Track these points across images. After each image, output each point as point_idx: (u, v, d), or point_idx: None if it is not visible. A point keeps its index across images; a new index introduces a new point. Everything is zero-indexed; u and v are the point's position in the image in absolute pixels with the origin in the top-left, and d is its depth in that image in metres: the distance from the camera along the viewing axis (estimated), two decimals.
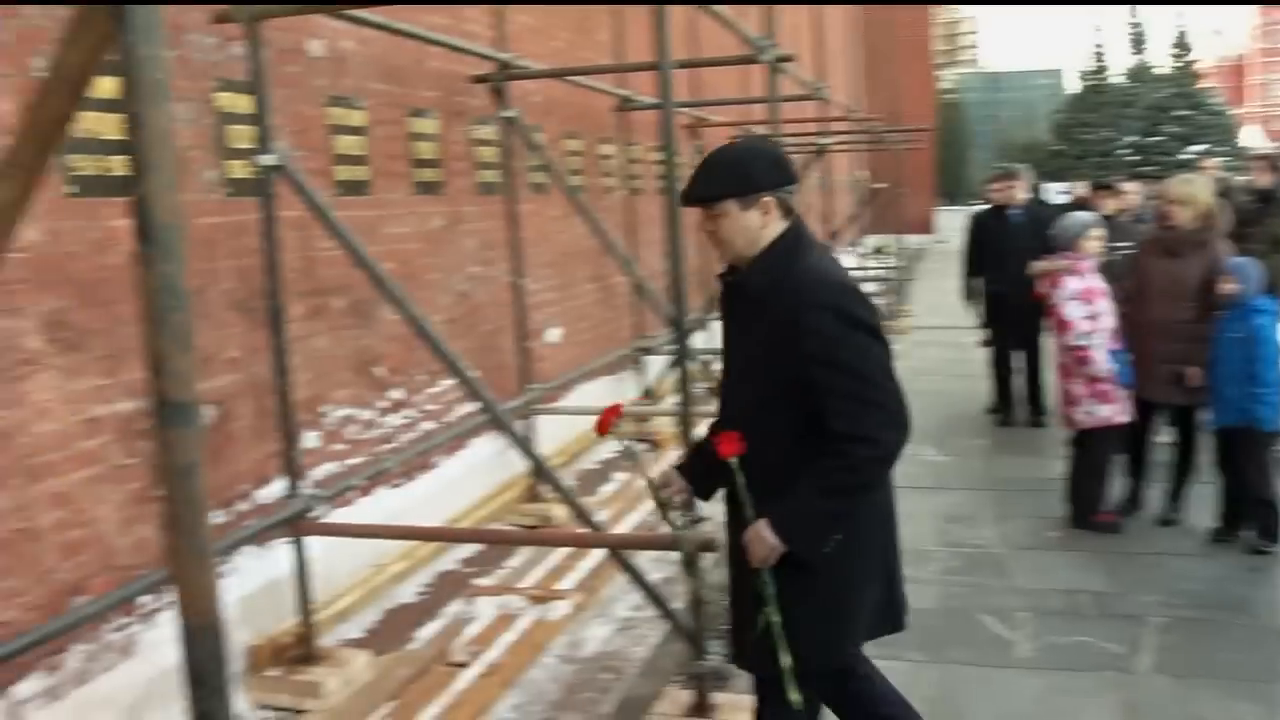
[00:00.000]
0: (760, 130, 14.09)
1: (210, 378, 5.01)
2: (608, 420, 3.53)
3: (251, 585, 5.12)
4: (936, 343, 14.86)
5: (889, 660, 5.01)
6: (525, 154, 7.90)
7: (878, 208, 17.36)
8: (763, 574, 3.09)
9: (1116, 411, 6.57)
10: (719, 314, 3.38)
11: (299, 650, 5.03)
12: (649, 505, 7.87)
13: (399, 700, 4.90)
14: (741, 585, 3.27)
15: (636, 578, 4.47)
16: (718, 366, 3.63)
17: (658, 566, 6.03)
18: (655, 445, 9.39)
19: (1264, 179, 9.14)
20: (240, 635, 4.99)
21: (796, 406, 3.02)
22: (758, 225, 3.05)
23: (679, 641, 4.85)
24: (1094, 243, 6.69)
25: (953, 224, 33.67)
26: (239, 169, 5.23)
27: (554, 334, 8.94)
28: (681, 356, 4.58)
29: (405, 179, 6.82)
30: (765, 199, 3.03)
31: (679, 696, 4.55)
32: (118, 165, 4.49)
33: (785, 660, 3.09)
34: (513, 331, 7.82)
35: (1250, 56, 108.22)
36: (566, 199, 7.81)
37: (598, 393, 9.41)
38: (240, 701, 4.87)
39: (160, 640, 4.59)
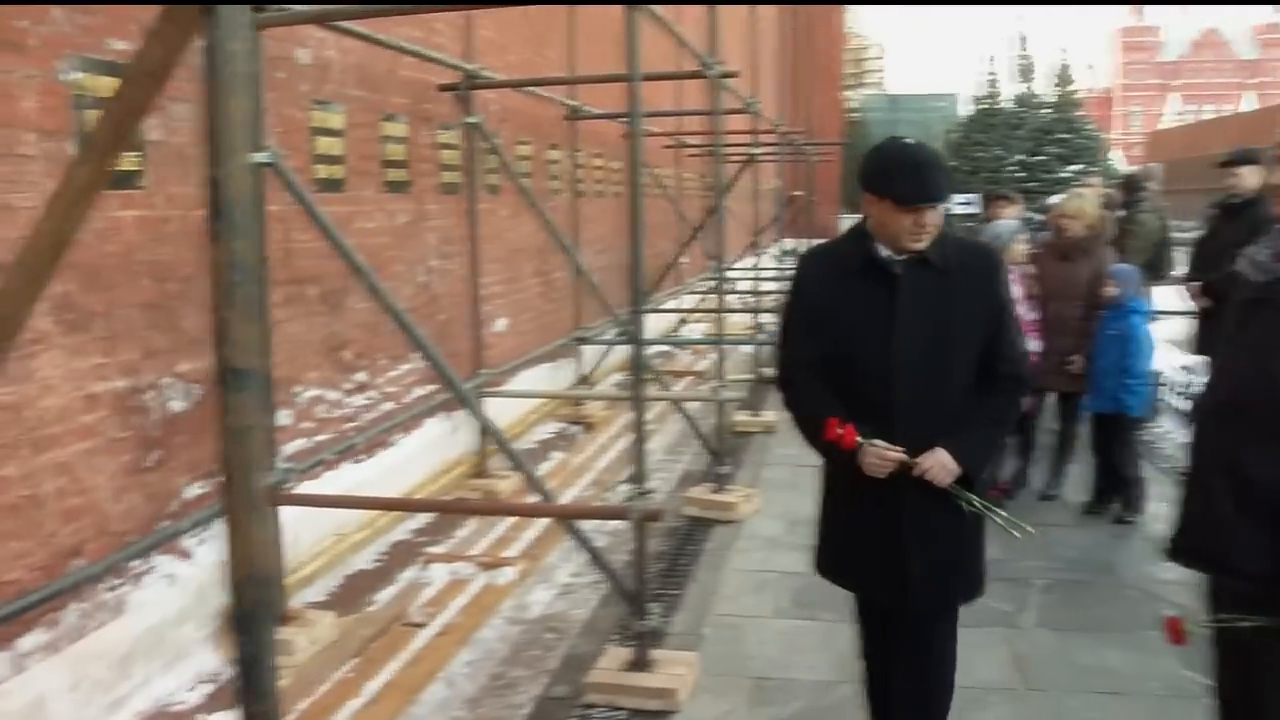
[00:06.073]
0: (696, 140, 14.15)
1: (197, 359, 4.97)
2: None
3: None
4: None
5: (805, 620, 5.15)
6: (483, 158, 7.92)
7: (792, 214, 17.62)
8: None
9: None
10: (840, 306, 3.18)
11: None
12: (584, 480, 7.94)
13: (362, 657, 4.92)
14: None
15: (584, 544, 4.53)
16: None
17: (597, 535, 6.06)
18: (588, 428, 9.45)
19: (1121, 196, 9.87)
20: (217, 596, 4.97)
21: (975, 359, 3.13)
22: None
23: (616, 605, 4.95)
24: (1020, 248, 6.94)
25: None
26: None
27: (501, 324, 8.95)
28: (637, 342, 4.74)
29: (376, 178, 6.78)
30: None
31: (619, 653, 4.62)
32: (124, 162, 4.45)
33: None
34: (466, 320, 7.84)
35: (1116, 90, 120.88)
36: (518, 200, 7.84)
37: (539, 378, 9.49)
38: (215, 657, 4.87)
39: (146, 600, 4.56)
